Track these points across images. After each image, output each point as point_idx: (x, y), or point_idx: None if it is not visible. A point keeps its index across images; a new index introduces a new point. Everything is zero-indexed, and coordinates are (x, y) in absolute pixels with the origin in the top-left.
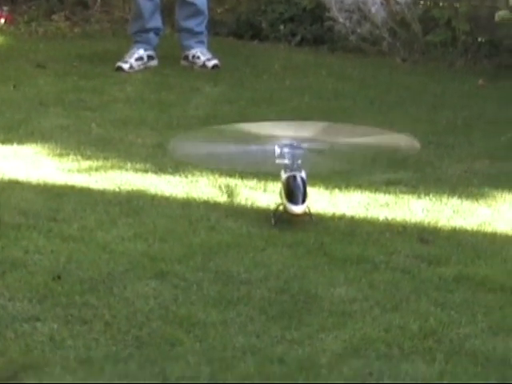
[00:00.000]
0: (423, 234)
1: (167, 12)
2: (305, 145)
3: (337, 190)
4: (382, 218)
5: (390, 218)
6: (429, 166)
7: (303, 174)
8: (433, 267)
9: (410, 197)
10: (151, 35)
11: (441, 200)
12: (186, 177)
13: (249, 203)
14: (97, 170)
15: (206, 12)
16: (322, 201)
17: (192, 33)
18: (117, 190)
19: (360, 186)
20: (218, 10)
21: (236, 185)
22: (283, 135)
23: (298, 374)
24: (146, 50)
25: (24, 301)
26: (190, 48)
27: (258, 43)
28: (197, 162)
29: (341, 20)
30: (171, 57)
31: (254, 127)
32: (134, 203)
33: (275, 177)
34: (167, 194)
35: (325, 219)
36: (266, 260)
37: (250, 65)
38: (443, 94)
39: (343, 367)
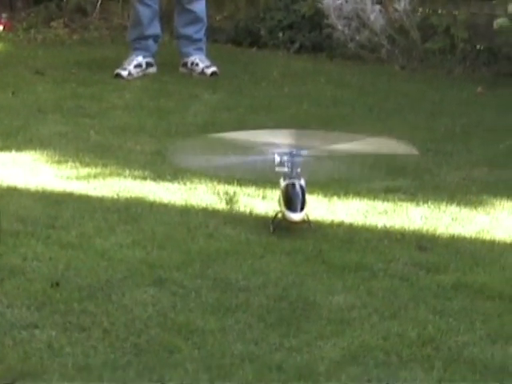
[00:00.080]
0: (422, 242)
1: (166, 19)
2: (304, 152)
3: (335, 198)
4: (380, 225)
5: (388, 225)
6: (427, 174)
7: (302, 182)
8: (431, 275)
9: (409, 204)
10: (150, 42)
11: (439, 207)
12: (185, 184)
13: (247, 210)
14: (95, 177)
15: (205, 19)
16: (320, 208)
17: (191, 40)
18: (115, 197)
19: (359, 193)
20: (217, 17)
21: (234, 192)
22: (282, 143)
23: (296, 382)
24: (144, 57)
25: (22, 308)
26: (188, 55)
27: (257, 50)
28: (196, 168)
29: (339, 27)
30: (170, 64)
31: (252, 135)
32: (132, 210)
33: (274, 184)
34: (166, 201)
35: (323, 226)
36: (264, 267)
37: (249, 72)
38: (442, 101)
39: (341, 375)
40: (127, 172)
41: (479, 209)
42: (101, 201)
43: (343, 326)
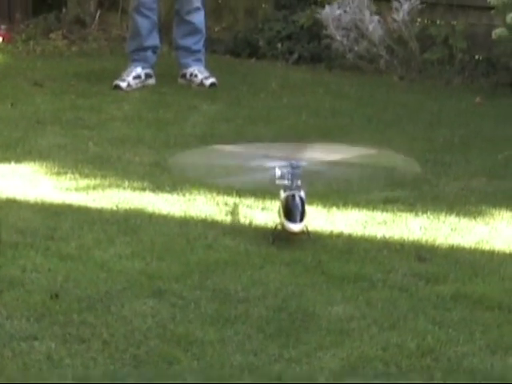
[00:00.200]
0: (421, 252)
1: (165, 30)
2: (304, 164)
3: (334, 208)
4: (379, 235)
5: (387, 235)
6: (426, 184)
7: (302, 194)
8: (430, 285)
9: (408, 215)
10: (149, 53)
11: (438, 218)
12: (184, 195)
13: (246, 221)
14: (94, 188)
15: (204, 30)
16: (319, 219)
17: (189, 51)
18: (114, 208)
19: (358, 203)
20: (216, 29)
21: (234, 203)
22: (281, 155)
23: None
24: (143, 68)
25: (22, 319)
26: (187, 66)
27: (256, 61)
28: (195, 178)
29: (338, 38)
30: (169, 75)
31: (251, 148)
32: (131, 222)
33: (273, 195)
34: (165, 212)
35: (322, 237)
36: (263, 278)
37: (248, 83)
38: (440, 111)
39: None
40: (126, 183)
41: (478, 219)
42: (100, 212)
43: (342, 337)
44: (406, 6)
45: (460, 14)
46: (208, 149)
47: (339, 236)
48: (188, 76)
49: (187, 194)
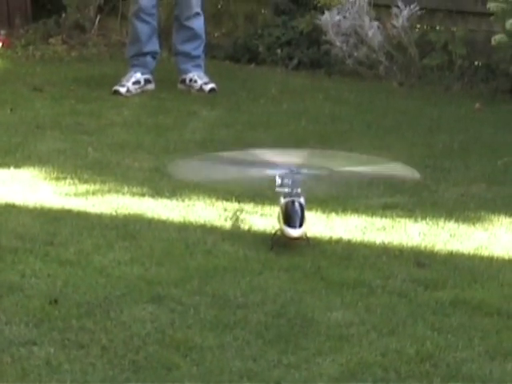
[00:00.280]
0: (420, 258)
1: (164, 36)
2: (304, 171)
3: (334, 214)
4: (378, 241)
5: (386, 241)
6: (425, 190)
7: (302, 200)
8: (429, 291)
9: (407, 221)
10: (148, 59)
11: (437, 224)
12: (183, 200)
13: (246, 227)
14: (94, 193)
15: (203, 36)
16: (318, 224)
17: (189, 57)
18: (114, 213)
19: (357, 209)
20: (215, 34)
21: (233, 209)
22: (281, 161)
23: None
24: (143, 73)
25: (21, 325)
26: (187, 72)
27: (255, 67)
28: (196, 182)
29: (338, 44)
30: (168, 80)
31: (250, 154)
32: (130, 227)
33: (272, 201)
34: (164, 217)
35: (322, 243)
36: (262, 284)
37: (247, 89)
38: (440, 117)
39: None
40: (125, 189)
41: (477, 225)
42: (99, 217)
43: (341, 343)
44: (405, 12)
45: (459, 20)
46: (207, 155)
47: (338, 242)
48: (187, 81)
49: (186, 200)
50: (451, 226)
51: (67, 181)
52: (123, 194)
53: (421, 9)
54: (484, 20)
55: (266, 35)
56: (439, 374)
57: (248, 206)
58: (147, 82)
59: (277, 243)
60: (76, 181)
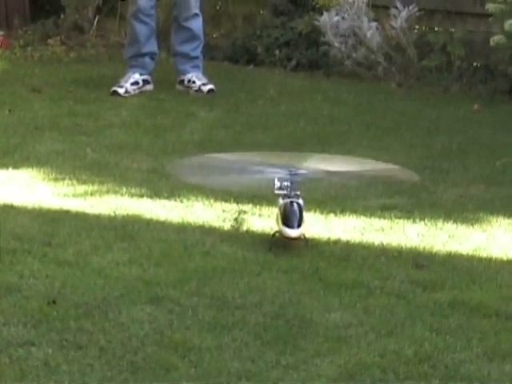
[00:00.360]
0: (418, 259)
1: (163, 37)
2: (303, 172)
3: (332, 215)
4: (377, 242)
5: (385, 242)
6: (424, 191)
7: (300, 201)
8: (428, 292)
9: (405, 222)
10: (147, 60)
11: (436, 225)
12: (182, 201)
13: (244, 228)
14: (92, 194)
15: (202, 37)
16: (317, 225)
17: (188, 57)
18: (112, 214)
19: (355, 210)
20: (214, 35)
21: (231, 210)
22: (279, 163)
23: None
24: (141, 74)
25: (19, 325)
26: (185, 72)
27: (254, 68)
28: (194, 183)
29: (336, 45)
30: (167, 81)
31: (248, 156)
32: (129, 228)
33: (271, 202)
34: (162, 218)
35: (320, 244)
36: (260, 285)
37: (246, 90)
38: (438, 119)
39: None
40: (124, 190)
41: (476, 226)
42: (97, 218)
43: (340, 344)
44: (404, 13)
45: (458, 21)
46: (206, 157)
47: (337, 243)
48: (186, 82)
49: (185, 201)
50: (450, 227)
51: (65, 182)
52: (122, 194)
53: (419, 10)
54: (483, 21)
55: (264, 36)
56: (437, 375)
57: (246, 207)
58: (146, 82)
59: (275, 244)
60: (74, 182)
